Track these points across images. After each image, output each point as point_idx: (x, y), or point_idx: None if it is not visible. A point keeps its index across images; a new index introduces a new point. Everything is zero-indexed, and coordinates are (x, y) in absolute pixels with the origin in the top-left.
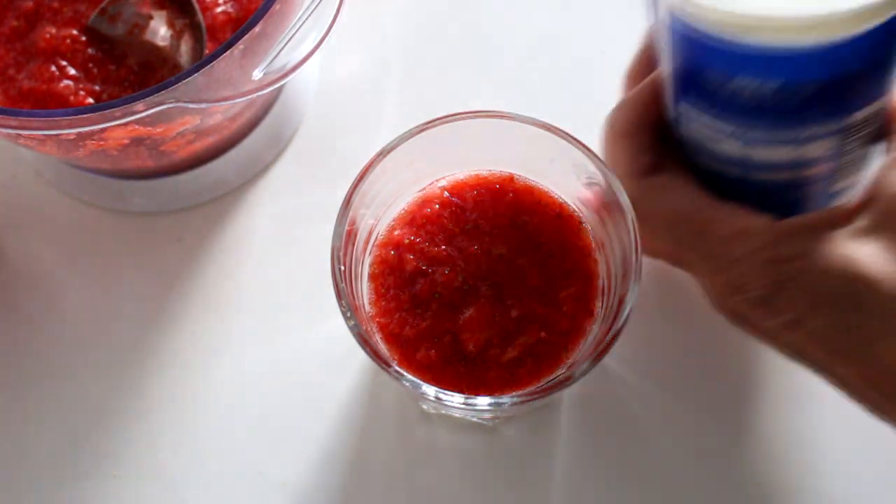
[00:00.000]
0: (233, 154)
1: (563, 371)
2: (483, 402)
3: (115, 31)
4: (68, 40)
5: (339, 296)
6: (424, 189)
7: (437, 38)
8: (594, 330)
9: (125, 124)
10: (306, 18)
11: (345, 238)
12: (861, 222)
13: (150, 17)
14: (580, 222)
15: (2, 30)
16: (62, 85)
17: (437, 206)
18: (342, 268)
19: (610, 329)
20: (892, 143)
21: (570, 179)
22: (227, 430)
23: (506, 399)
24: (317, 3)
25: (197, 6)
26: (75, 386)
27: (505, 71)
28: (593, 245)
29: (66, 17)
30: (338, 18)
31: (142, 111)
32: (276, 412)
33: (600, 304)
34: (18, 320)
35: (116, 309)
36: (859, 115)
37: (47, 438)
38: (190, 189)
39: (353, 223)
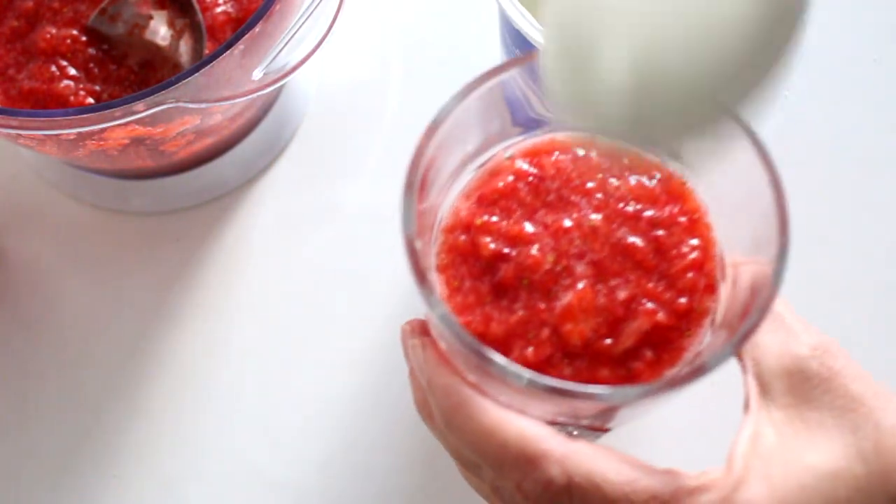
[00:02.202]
0: (233, 154)
1: (690, 360)
2: (618, 393)
3: (115, 31)
4: (68, 40)
5: (424, 285)
6: (488, 162)
7: (437, 37)
8: (718, 308)
9: (125, 124)
10: (306, 18)
11: (418, 221)
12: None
13: (151, 17)
14: (682, 182)
15: (2, 30)
16: (62, 85)
17: (509, 177)
18: (420, 243)
19: (751, 302)
20: (748, 416)
21: None
22: (227, 430)
23: (633, 390)
24: (317, 3)
25: (197, 6)
26: (75, 386)
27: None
28: (703, 207)
29: (67, 17)
30: (338, 18)
31: (142, 111)
32: (276, 412)
33: (720, 275)
34: (18, 320)
35: (116, 308)
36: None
37: (47, 438)
38: (190, 189)
39: (421, 204)
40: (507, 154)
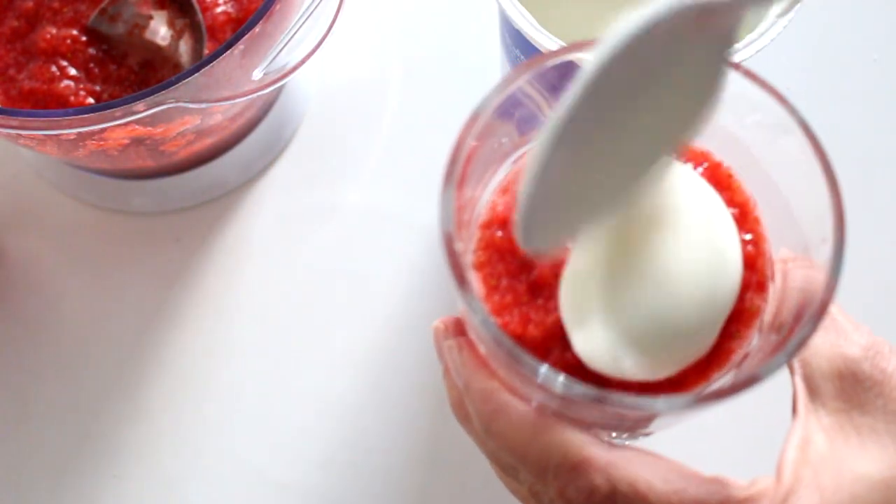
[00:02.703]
0: (233, 154)
1: (737, 367)
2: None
3: (115, 31)
4: (69, 40)
5: (465, 286)
6: (523, 155)
7: (437, 37)
8: (766, 308)
9: (125, 124)
10: (306, 18)
11: (457, 217)
12: None
13: (151, 17)
14: (730, 173)
15: (2, 30)
16: (63, 85)
17: None
18: (460, 244)
19: (802, 305)
20: (796, 420)
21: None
22: (227, 430)
23: (681, 399)
24: (317, 3)
25: (197, 6)
26: (75, 386)
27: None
28: (751, 199)
29: (67, 17)
30: (338, 18)
31: (142, 111)
32: (276, 412)
33: (770, 273)
34: (18, 320)
35: (116, 309)
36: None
37: (47, 438)
38: (190, 189)
39: (461, 199)
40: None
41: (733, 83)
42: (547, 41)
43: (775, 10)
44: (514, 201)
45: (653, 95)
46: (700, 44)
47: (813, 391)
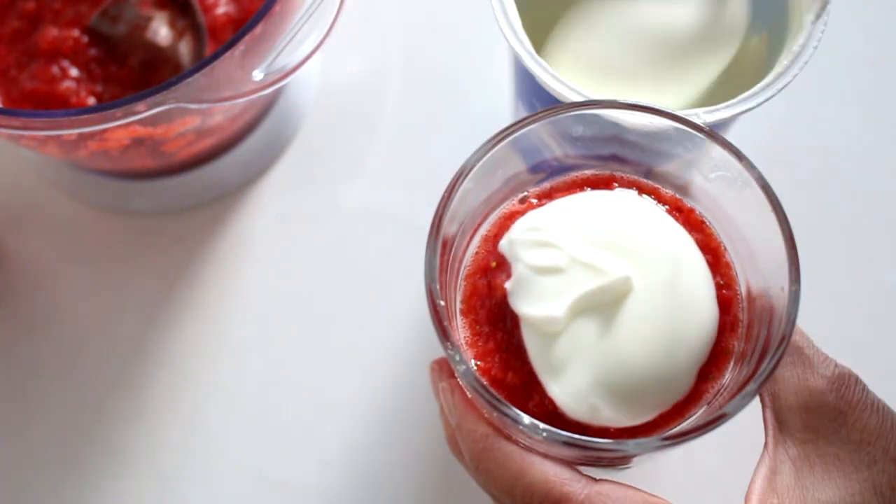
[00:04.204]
0: (233, 155)
1: (708, 404)
2: (630, 445)
3: (116, 32)
4: (70, 41)
5: (446, 337)
6: (508, 204)
7: (437, 37)
8: (737, 347)
9: (126, 125)
10: (307, 19)
11: (439, 269)
12: None
13: (151, 18)
14: (702, 220)
15: (4, 31)
16: (64, 85)
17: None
18: (442, 303)
19: (766, 342)
20: (765, 451)
21: (687, 172)
22: (227, 430)
23: (650, 441)
24: (317, 3)
25: (198, 7)
26: (75, 386)
27: (506, 70)
28: (723, 244)
29: (68, 18)
30: (338, 19)
31: (143, 111)
32: (276, 412)
33: (742, 315)
34: (19, 320)
35: (117, 309)
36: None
37: (47, 438)
38: (190, 190)
39: (445, 250)
40: (520, 196)
41: (699, 144)
42: (565, 90)
43: (808, 16)
44: (494, 250)
45: None
46: None
47: (781, 423)
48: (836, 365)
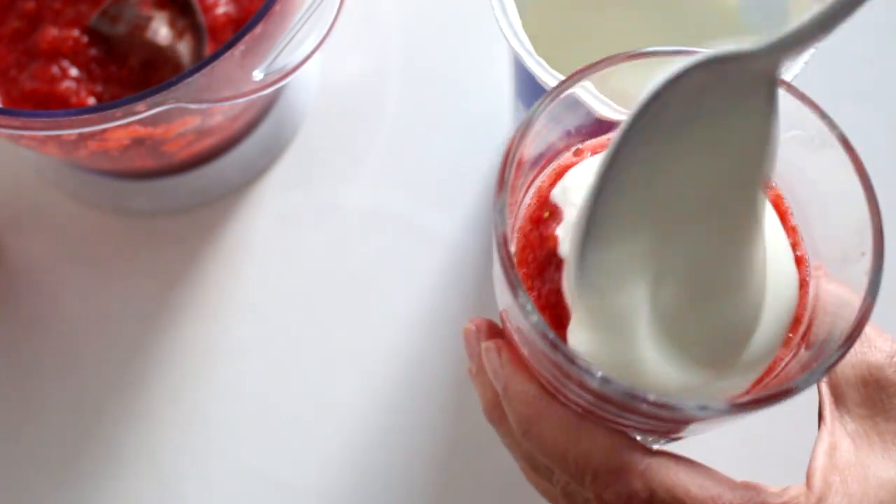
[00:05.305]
0: (234, 155)
1: (777, 370)
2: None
3: (116, 32)
4: (70, 41)
5: (516, 286)
6: (562, 157)
7: (437, 37)
8: (806, 316)
9: (126, 125)
10: (307, 19)
11: (510, 219)
12: None
13: (151, 18)
14: (770, 184)
15: (4, 31)
16: (64, 85)
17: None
18: (514, 249)
19: (839, 326)
20: (823, 427)
21: None
22: (227, 430)
23: (720, 406)
24: (317, 3)
25: (198, 7)
26: (75, 386)
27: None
28: (788, 207)
29: (68, 17)
30: (338, 19)
31: (143, 111)
32: (276, 412)
33: (810, 280)
34: (19, 320)
35: (117, 309)
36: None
37: (47, 438)
38: (191, 190)
39: (512, 202)
40: (574, 149)
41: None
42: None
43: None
44: (547, 201)
45: (705, 139)
46: (738, 88)
47: (838, 398)
48: (894, 340)
